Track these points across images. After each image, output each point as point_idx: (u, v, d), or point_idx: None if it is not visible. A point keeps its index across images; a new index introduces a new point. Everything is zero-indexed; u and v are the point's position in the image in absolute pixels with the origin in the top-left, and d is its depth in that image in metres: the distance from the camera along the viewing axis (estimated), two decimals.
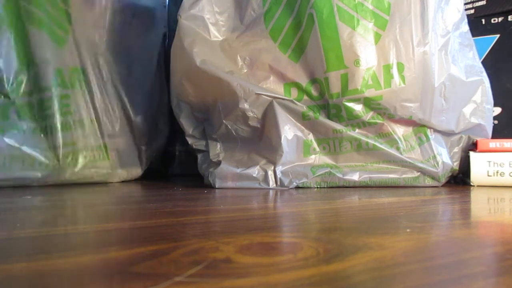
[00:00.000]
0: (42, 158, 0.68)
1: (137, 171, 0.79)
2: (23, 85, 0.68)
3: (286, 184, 0.59)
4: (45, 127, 0.69)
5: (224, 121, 0.64)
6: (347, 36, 0.60)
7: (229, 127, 0.64)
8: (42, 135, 0.69)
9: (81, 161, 0.71)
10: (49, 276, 0.17)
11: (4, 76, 0.67)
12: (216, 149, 0.67)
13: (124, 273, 0.17)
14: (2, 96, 0.67)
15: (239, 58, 0.65)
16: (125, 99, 0.78)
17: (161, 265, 0.18)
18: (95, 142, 0.73)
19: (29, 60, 0.69)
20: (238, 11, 0.69)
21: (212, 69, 0.63)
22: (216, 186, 0.61)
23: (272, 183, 0.60)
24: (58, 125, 0.69)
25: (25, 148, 0.67)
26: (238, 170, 0.61)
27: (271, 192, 0.55)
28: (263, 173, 0.60)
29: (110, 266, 0.18)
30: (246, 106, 0.62)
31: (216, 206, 0.42)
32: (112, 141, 0.75)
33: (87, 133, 0.72)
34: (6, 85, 0.67)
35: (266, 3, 0.66)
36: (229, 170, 0.62)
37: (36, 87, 0.69)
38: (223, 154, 0.65)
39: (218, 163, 0.64)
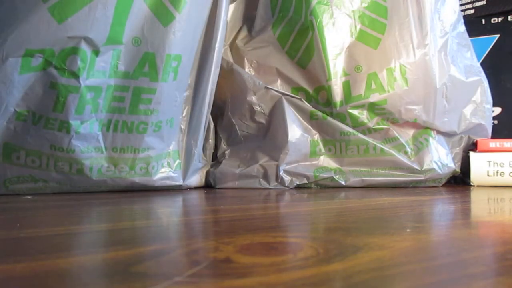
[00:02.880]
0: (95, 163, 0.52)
1: (201, 180, 0.63)
2: (95, 64, 0.49)
3: (287, 183, 0.59)
4: (108, 124, 0.52)
5: (230, 116, 0.64)
6: (346, 43, 0.60)
7: (234, 122, 0.64)
8: (100, 133, 0.51)
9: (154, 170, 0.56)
10: (49, 276, 0.17)
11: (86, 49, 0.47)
12: (222, 148, 0.66)
13: (124, 273, 0.17)
14: (72, 76, 0.48)
15: (246, 61, 0.65)
16: (211, 99, 0.60)
17: (161, 265, 0.18)
18: (173, 147, 0.58)
19: (115, 37, 0.49)
20: (247, 22, 0.69)
21: (224, 59, 0.63)
22: (216, 186, 0.61)
23: (273, 182, 0.60)
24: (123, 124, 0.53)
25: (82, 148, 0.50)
26: (238, 170, 0.61)
27: (271, 192, 0.55)
28: (264, 171, 0.60)
29: (110, 266, 0.18)
30: (254, 99, 0.62)
31: (216, 206, 0.42)
32: (185, 145, 0.60)
33: (166, 137, 0.56)
34: (79, 62, 0.47)
35: (275, 12, 0.66)
36: (229, 170, 0.62)
37: (111, 70, 0.50)
38: (229, 151, 0.65)
39: (219, 162, 0.64)
